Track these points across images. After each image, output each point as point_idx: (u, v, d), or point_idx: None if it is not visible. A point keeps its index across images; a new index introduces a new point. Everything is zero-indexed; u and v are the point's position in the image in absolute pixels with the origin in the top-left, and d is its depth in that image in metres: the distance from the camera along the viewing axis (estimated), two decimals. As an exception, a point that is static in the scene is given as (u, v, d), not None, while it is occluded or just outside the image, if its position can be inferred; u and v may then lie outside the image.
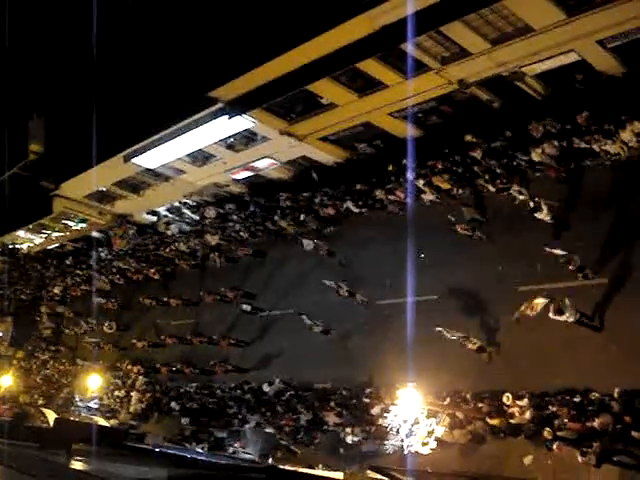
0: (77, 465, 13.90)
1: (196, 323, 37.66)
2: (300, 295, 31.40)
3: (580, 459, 18.40)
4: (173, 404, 35.63)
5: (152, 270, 42.23)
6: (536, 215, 21.72)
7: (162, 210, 40.25)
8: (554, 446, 19.13)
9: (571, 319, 19.70)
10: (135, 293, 43.66)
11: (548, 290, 20.48)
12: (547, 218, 21.68)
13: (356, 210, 29.45)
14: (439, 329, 22.46)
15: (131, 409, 39.13)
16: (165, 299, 39.68)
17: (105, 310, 45.77)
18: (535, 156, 22.71)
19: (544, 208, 21.44)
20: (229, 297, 34.80)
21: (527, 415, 20.36)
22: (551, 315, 19.55)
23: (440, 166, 25.65)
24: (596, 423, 18.59)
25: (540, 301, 19.78)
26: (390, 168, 27.34)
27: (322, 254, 29.88)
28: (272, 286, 33.17)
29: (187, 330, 37.38)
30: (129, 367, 41.26)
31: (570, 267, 20.21)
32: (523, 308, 20.03)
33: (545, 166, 23.01)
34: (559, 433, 19.40)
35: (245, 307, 32.28)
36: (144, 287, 43.38)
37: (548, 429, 19.49)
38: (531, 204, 21.76)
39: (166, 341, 38.15)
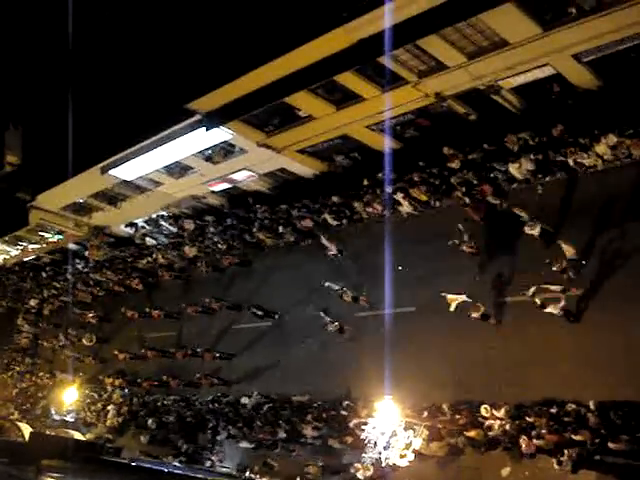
0: (46, 482, 13.73)
1: (178, 335, 37.25)
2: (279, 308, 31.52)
3: (556, 467, 18.57)
4: (150, 421, 35.17)
5: (135, 281, 41.73)
6: (526, 229, 21.68)
7: (140, 222, 40.05)
8: (522, 442, 19.54)
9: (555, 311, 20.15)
10: (116, 305, 43.04)
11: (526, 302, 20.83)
12: (536, 232, 21.60)
13: (334, 222, 29.47)
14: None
15: (108, 422, 38.81)
16: (147, 310, 38.72)
17: (85, 322, 45.21)
18: (513, 170, 22.90)
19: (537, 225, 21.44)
20: (213, 308, 34.45)
21: (507, 428, 20.45)
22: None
23: (417, 178, 25.76)
24: (575, 437, 18.74)
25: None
26: (366, 182, 27.45)
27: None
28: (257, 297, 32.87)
29: (169, 343, 37.01)
30: (110, 380, 40.61)
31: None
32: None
33: (472, 206, 24.06)
34: (535, 442, 19.52)
35: (255, 311, 31.25)
36: (126, 299, 42.77)
37: (524, 437, 19.62)
38: (524, 215, 21.88)
39: (147, 354, 37.53)
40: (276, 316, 31.36)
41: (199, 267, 37.13)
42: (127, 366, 40.33)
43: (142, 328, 40.35)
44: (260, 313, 31.26)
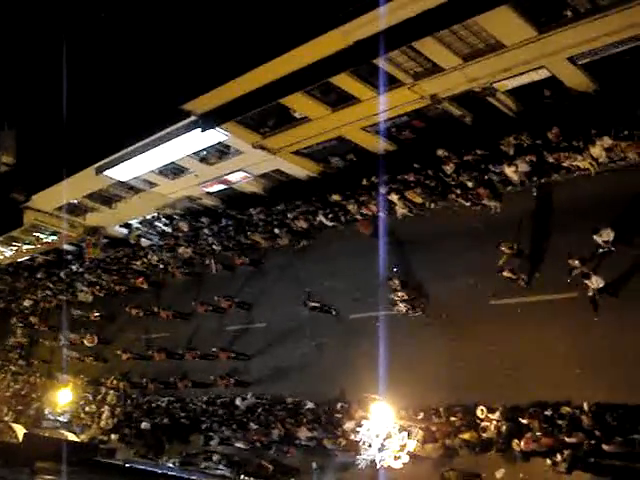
0: (41, 484, 13.67)
1: (191, 336, 36.28)
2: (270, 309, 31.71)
3: (551, 468, 18.57)
4: (144, 425, 34.86)
5: (140, 279, 41.15)
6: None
7: (134, 223, 39.98)
8: (515, 446, 19.60)
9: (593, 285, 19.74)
10: (119, 305, 42.44)
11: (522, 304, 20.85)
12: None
13: (329, 224, 29.48)
14: None
15: (102, 424, 38.69)
16: (155, 309, 37.76)
17: (85, 323, 44.86)
18: (509, 172, 22.91)
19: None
20: (223, 307, 33.78)
21: (503, 429, 20.44)
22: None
23: (412, 180, 25.77)
24: (569, 440, 18.73)
25: None
26: (364, 182, 27.41)
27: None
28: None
29: (177, 343, 36.30)
30: (114, 383, 40.00)
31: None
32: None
33: (361, 221, 26.96)
34: (530, 445, 19.51)
35: (313, 304, 29.03)
36: (130, 298, 41.97)
37: (516, 441, 19.64)
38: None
39: (154, 355, 36.08)
40: (333, 312, 28.96)
41: (209, 265, 36.46)
42: (132, 367, 39.65)
43: (148, 328, 39.82)
44: (317, 305, 29.07)
